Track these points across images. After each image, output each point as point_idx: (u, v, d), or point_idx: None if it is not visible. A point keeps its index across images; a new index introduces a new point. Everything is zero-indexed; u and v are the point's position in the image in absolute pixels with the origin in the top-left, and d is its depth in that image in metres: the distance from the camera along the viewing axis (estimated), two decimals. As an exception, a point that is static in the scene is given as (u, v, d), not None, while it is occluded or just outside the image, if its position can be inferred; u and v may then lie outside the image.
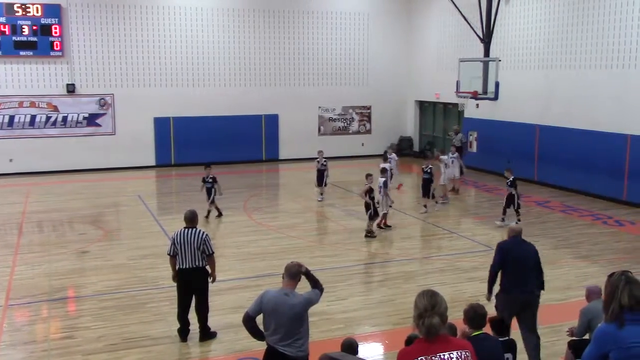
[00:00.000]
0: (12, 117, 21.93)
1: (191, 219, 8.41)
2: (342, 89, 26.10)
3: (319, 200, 17.43)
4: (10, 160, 21.95)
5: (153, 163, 23.73)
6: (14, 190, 19.42)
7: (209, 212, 15.26)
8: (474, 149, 23.01)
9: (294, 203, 17.77)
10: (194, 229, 8.30)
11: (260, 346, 6.26)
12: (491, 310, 7.19)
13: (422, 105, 27.10)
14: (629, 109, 16.88)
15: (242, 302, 9.19)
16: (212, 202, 15.33)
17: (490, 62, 18.05)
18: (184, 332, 8.47)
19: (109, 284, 10.78)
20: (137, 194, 18.81)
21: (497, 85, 17.56)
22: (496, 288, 7.80)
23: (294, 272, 5.92)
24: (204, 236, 8.25)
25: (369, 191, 13.79)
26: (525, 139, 20.33)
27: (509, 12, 20.88)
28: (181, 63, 23.62)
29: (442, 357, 3.78)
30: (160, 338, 8.58)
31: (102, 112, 22.96)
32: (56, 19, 21.76)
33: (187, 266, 8.23)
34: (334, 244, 13.49)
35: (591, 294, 6.86)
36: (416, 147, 27.09)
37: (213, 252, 8.37)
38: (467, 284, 10.68)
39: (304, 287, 6.04)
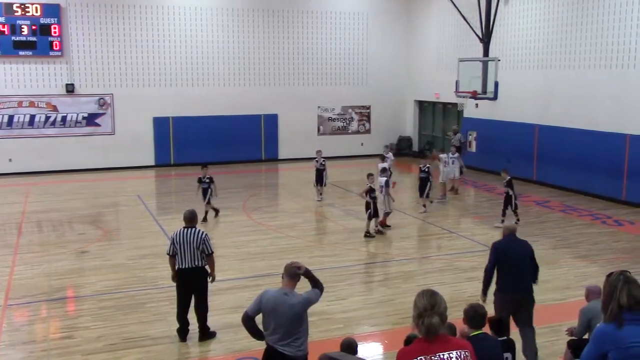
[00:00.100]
0: (11, 117, 21.93)
1: (190, 219, 8.41)
2: (342, 89, 26.11)
3: (318, 200, 17.43)
4: (10, 160, 21.95)
5: (152, 163, 23.73)
6: (13, 190, 19.41)
7: (206, 213, 15.10)
8: (474, 148, 23.02)
9: (294, 203, 17.77)
10: (194, 229, 8.30)
11: (260, 346, 6.26)
12: (491, 310, 7.21)
13: (422, 105, 27.11)
14: (628, 109, 16.89)
15: (241, 302, 9.19)
16: (209, 202, 15.25)
17: (489, 62, 18.06)
18: (183, 332, 8.47)
19: (108, 283, 10.78)
20: (137, 193, 18.81)
21: (496, 85, 17.57)
22: (493, 287, 7.83)
23: (293, 272, 5.93)
24: (203, 236, 8.25)
25: (370, 191, 13.80)
26: (525, 138, 20.34)
27: (509, 12, 20.89)
28: (180, 63, 23.61)
29: (441, 356, 3.78)
30: (160, 338, 8.58)
31: (101, 112, 22.96)
32: (55, 19, 21.75)
33: (187, 266, 8.23)
34: (334, 243, 13.50)
35: (590, 293, 6.87)
36: (415, 147, 27.09)
37: (212, 252, 8.37)
38: (467, 284, 10.68)
39: (304, 286, 6.03)
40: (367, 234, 13.84)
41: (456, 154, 18.39)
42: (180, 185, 21.22)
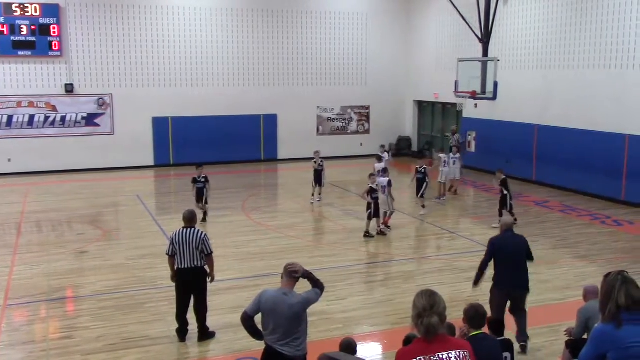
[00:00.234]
0: (10, 117, 21.92)
1: (190, 219, 8.41)
2: (341, 89, 26.11)
3: (318, 201, 17.42)
4: (9, 160, 21.95)
5: (152, 163, 23.73)
6: (13, 190, 19.41)
7: (205, 213, 15.08)
8: (473, 148, 23.03)
9: (293, 203, 17.77)
10: (193, 229, 8.30)
11: (259, 346, 6.26)
12: (488, 308, 7.23)
13: (421, 105, 27.11)
14: (627, 109, 16.90)
15: (240, 302, 9.18)
16: (206, 202, 15.20)
17: (488, 62, 18.05)
18: (182, 332, 8.47)
19: (107, 284, 10.78)
20: (136, 193, 18.81)
21: (495, 85, 17.57)
22: (490, 283, 8.03)
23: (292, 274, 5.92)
24: (202, 236, 8.25)
25: (371, 191, 13.81)
26: (524, 138, 20.35)
27: (508, 12, 20.90)
28: (180, 63, 23.61)
29: (440, 356, 3.78)
30: (159, 338, 8.58)
31: (100, 112, 22.96)
32: (55, 19, 21.74)
33: (186, 266, 8.22)
34: (333, 243, 13.50)
35: (588, 293, 6.88)
36: (415, 147, 27.09)
37: (212, 252, 8.37)
38: (466, 284, 10.64)
39: (304, 286, 6.03)
40: (367, 234, 13.84)
41: (457, 155, 18.41)
42: (180, 185, 21.20)
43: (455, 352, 3.83)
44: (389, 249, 13.36)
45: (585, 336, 6.52)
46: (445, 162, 18.00)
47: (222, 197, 17.99)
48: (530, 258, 8.04)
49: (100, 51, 22.57)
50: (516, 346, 7.53)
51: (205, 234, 8.34)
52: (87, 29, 22.30)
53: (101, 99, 22.87)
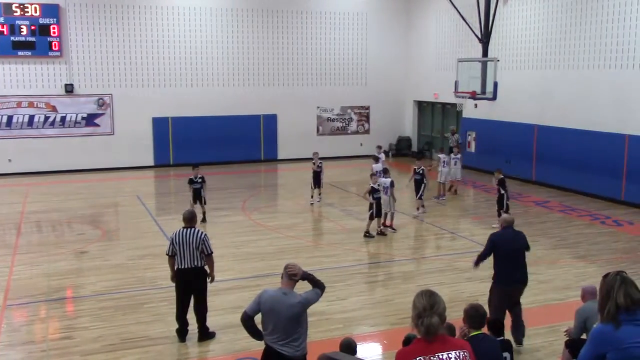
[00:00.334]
0: (10, 117, 21.92)
1: (190, 219, 8.41)
2: (341, 89, 26.12)
3: (318, 201, 17.42)
4: (9, 161, 21.95)
5: (152, 163, 23.73)
6: (13, 191, 19.41)
7: (204, 214, 15.04)
8: (473, 149, 23.03)
9: (293, 203, 17.76)
10: (193, 229, 8.30)
11: (259, 346, 6.26)
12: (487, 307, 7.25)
13: (421, 105, 27.11)
14: (626, 109, 16.90)
15: (240, 302, 9.17)
16: (205, 202, 15.11)
17: (488, 62, 18.05)
18: (182, 332, 8.47)
19: (107, 284, 10.78)
20: (136, 194, 18.81)
21: (495, 85, 17.56)
22: (490, 282, 8.16)
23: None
24: (202, 236, 8.25)
25: (372, 191, 13.81)
26: (524, 139, 20.36)
27: (508, 12, 20.90)
28: (180, 63, 23.62)
29: (440, 357, 3.78)
30: (159, 338, 8.58)
31: (100, 112, 22.96)
32: (54, 19, 21.75)
33: (186, 266, 8.22)
34: (333, 244, 13.49)
35: (586, 294, 6.89)
36: (415, 147, 27.09)
37: (212, 252, 8.36)
38: (466, 284, 10.69)
39: (304, 286, 6.03)
40: (367, 234, 13.84)
41: (459, 155, 18.42)
42: (180, 185, 21.12)
43: (455, 353, 3.83)
44: (389, 249, 13.36)
45: (584, 336, 6.52)
46: (444, 162, 18.02)
47: (222, 198, 17.99)
48: (527, 248, 8.25)
49: (100, 51, 22.58)
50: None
51: (205, 234, 8.34)
52: (87, 29, 22.31)
53: (101, 99, 22.87)
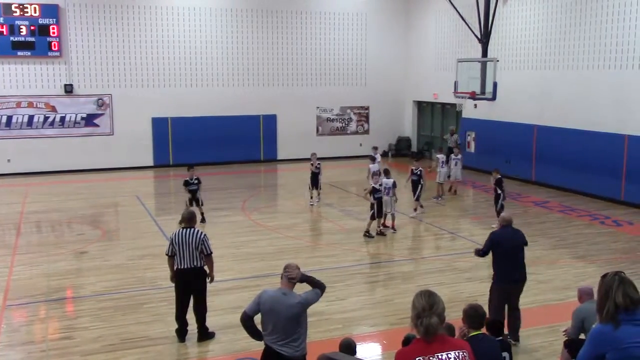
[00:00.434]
0: (9, 118, 21.92)
1: (189, 219, 8.41)
2: (340, 89, 26.12)
3: (317, 202, 17.41)
4: (8, 161, 21.95)
5: (151, 163, 23.73)
6: (12, 191, 19.41)
7: (202, 214, 14.94)
8: (472, 149, 23.04)
9: (293, 203, 17.76)
10: (192, 229, 8.30)
11: (259, 346, 6.27)
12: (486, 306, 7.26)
13: (420, 106, 27.12)
14: (626, 110, 16.91)
15: (240, 303, 9.17)
16: (202, 203, 15.00)
17: (488, 63, 18.05)
18: (182, 333, 8.47)
19: (107, 284, 10.78)
20: (135, 194, 18.81)
21: (495, 85, 17.57)
22: (490, 281, 8.21)
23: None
24: (202, 236, 8.25)
25: (374, 191, 13.82)
26: (523, 139, 20.37)
27: (507, 12, 20.91)
28: (179, 63, 23.62)
29: (439, 357, 3.79)
30: (159, 338, 8.58)
31: (100, 112, 22.96)
32: (54, 19, 21.75)
33: (186, 266, 8.22)
34: (332, 244, 13.50)
35: (583, 294, 6.90)
36: (414, 148, 27.10)
37: (211, 252, 8.36)
38: (465, 284, 10.69)
39: (303, 286, 6.03)
40: (367, 234, 13.84)
41: (459, 156, 18.42)
42: (179, 185, 21.08)
43: (455, 353, 3.83)
44: (389, 249, 13.36)
45: (582, 336, 6.53)
46: (442, 162, 18.03)
47: (221, 198, 18.00)
48: (526, 243, 8.30)
49: (100, 51, 22.58)
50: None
51: (205, 234, 8.34)
52: (87, 29, 22.31)
53: (100, 99, 22.87)
